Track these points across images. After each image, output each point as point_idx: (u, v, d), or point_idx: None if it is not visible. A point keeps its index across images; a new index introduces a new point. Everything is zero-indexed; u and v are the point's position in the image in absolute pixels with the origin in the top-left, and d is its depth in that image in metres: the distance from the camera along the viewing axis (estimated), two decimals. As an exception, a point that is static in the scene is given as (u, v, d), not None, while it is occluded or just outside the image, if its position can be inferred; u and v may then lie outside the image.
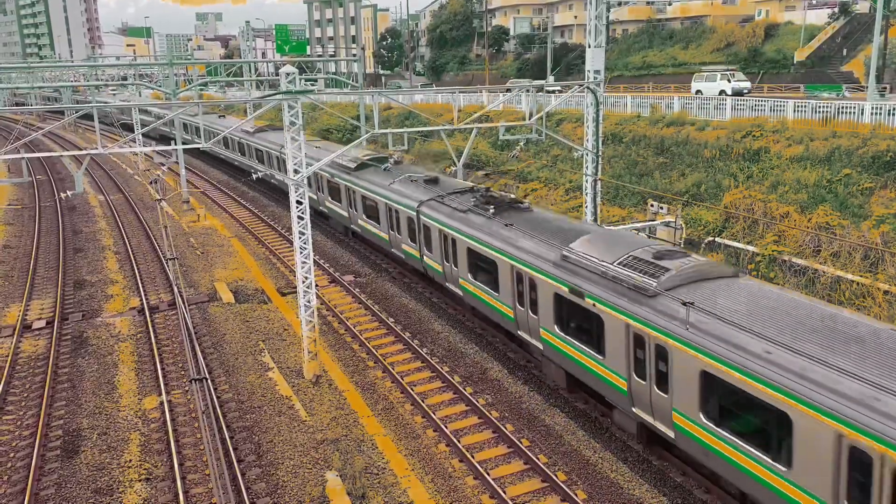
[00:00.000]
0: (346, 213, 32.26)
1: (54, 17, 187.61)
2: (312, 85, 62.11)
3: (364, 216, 29.98)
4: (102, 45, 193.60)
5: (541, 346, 18.39)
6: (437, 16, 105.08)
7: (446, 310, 25.43)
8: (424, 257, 24.88)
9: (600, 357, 15.79)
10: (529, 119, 24.09)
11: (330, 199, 34.13)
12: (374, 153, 34.14)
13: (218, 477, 14.99)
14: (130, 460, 16.46)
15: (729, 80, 42.62)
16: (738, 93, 40.66)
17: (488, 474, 15.55)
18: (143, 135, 73.07)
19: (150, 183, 49.74)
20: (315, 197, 35.93)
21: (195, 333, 23.23)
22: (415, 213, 24.85)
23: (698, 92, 43.39)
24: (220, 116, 59.91)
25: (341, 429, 17.52)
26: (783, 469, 11.32)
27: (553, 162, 37.94)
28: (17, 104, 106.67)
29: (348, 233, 34.74)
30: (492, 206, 21.65)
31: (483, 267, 20.79)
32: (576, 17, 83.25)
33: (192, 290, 28.13)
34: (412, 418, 18.23)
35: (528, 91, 25.51)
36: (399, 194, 26.59)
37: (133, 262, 31.82)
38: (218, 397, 19.03)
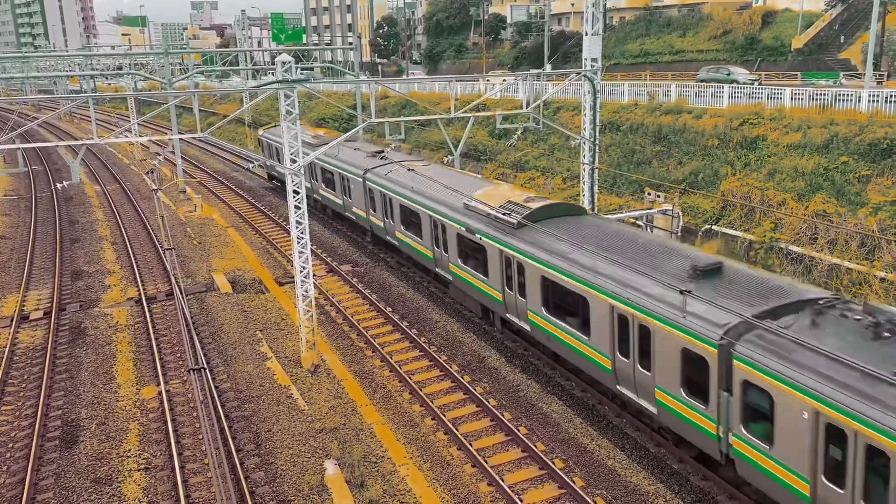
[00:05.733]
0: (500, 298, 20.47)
1: (49, 6, 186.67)
2: (309, 74, 61.44)
3: (554, 318, 17.95)
4: (97, 34, 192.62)
5: None
6: (433, 4, 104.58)
7: (443, 299, 25.45)
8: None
9: None
10: (527, 107, 23.99)
11: (466, 266, 21.94)
12: (547, 199, 20.96)
13: (217, 466, 15.04)
14: (129, 450, 16.50)
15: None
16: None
17: (486, 462, 15.63)
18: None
19: (147, 173, 49.59)
20: (449, 259, 22.94)
21: (193, 323, 23.25)
22: (716, 354, 12.78)
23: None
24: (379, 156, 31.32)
25: (340, 417, 17.56)
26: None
27: (550, 150, 37.89)
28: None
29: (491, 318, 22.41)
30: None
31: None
32: (573, 4, 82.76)
33: (190, 280, 28.11)
34: (410, 407, 18.29)
35: (525, 79, 25.01)
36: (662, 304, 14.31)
37: (130, 252, 31.77)
38: (216, 387, 19.06)
